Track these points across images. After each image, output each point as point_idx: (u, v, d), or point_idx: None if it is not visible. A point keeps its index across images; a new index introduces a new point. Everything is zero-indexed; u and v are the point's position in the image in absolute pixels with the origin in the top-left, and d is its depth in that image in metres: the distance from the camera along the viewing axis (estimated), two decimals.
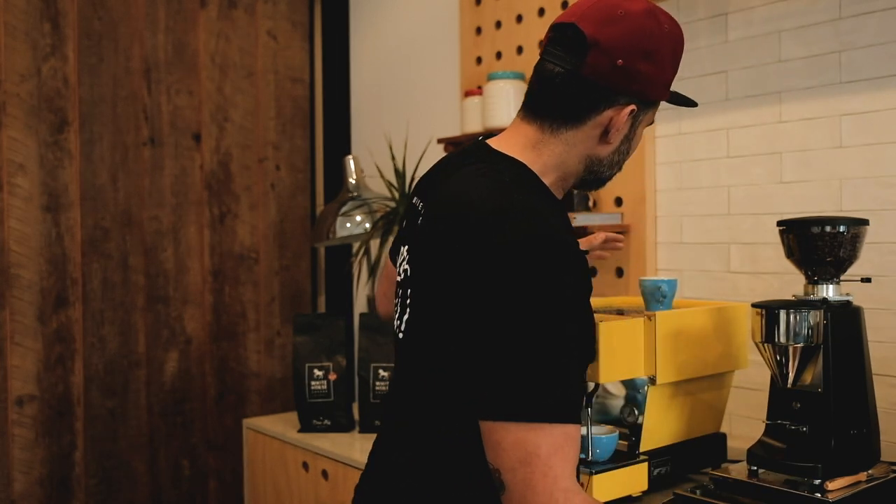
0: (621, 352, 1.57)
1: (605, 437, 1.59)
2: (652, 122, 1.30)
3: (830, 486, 1.47)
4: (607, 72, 1.17)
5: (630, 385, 1.80)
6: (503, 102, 2.39)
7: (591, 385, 1.62)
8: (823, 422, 1.52)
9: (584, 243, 1.75)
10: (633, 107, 1.20)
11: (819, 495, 1.45)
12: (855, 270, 1.64)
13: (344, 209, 2.70)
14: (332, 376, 2.43)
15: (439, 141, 2.69)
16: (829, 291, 1.58)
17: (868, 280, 1.63)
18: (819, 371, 1.53)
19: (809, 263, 1.59)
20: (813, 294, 1.59)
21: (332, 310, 3.26)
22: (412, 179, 2.65)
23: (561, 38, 1.20)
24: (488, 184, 1.18)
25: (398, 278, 1.30)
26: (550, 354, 1.05)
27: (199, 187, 3.01)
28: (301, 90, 3.27)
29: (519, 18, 2.58)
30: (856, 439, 1.54)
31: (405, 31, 3.06)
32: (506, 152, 1.23)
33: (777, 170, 1.99)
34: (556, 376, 1.05)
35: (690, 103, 1.34)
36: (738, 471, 1.59)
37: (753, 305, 1.58)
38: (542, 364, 1.05)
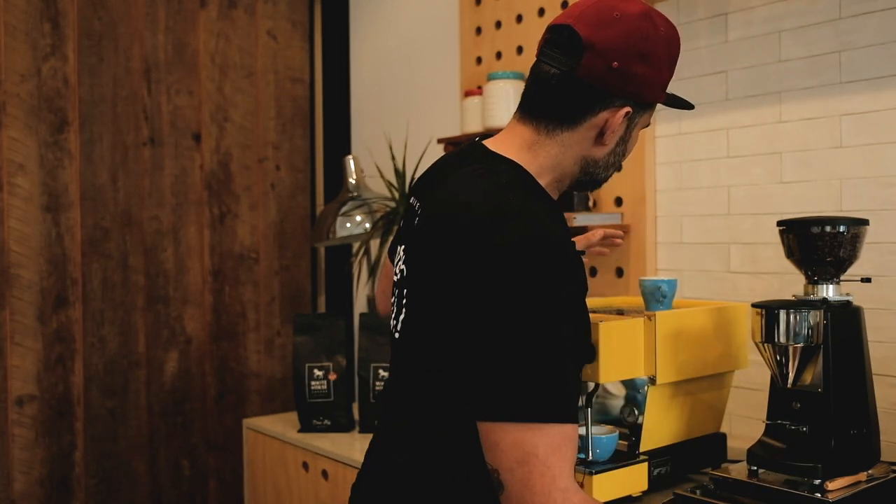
0: (621, 352, 1.57)
1: (605, 437, 1.59)
2: (648, 124, 1.31)
3: (830, 486, 1.47)
4: (602, 74, 1.17)
5: (630, 385, 1.80)
6: (503, 102, 2.39)
7: (591, 385, 1.62)
8: (823, 422, 1.52)
9: (582, 240, 1.76)
10: (628, 109, 1.20)
11: (819, 495, 1.45)
12: (855, 270, 1.64)
13: (344, 209, 2.70)
14: (332, 376, 2.43)
15: (439, 141, 2.69)
16: (829, 291, 1.58)
17: (868, 280, 1.63)
18: (819, 371, 1.53)
19: (809, 263, 1.59)
20: (813, 294, 1.59)
21: (332, 310, 3.26)
22: (412, 179, 2.65)
23: (557, 40, 1.21)
24: (484, 185, 1.18)
25: (395, 278, 1.30)
26: (547, 355, 1.06)
27: (199, 187, 3.01)
28: (301, 90, 3.27)
29: (519, 18, 2.58)
30: (856, 439, 1.54)
31: (405, 31, 3.06)
32: (502, 153, 1.24)
33: (777, 170, 1.99)
34: (553, 377, 1.06)
35: (687, 105, 1.34)
36: (738, 471, 1.59)
37: (753, 305, 1.58)
38: (538, 365, 1.05)
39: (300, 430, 2.44)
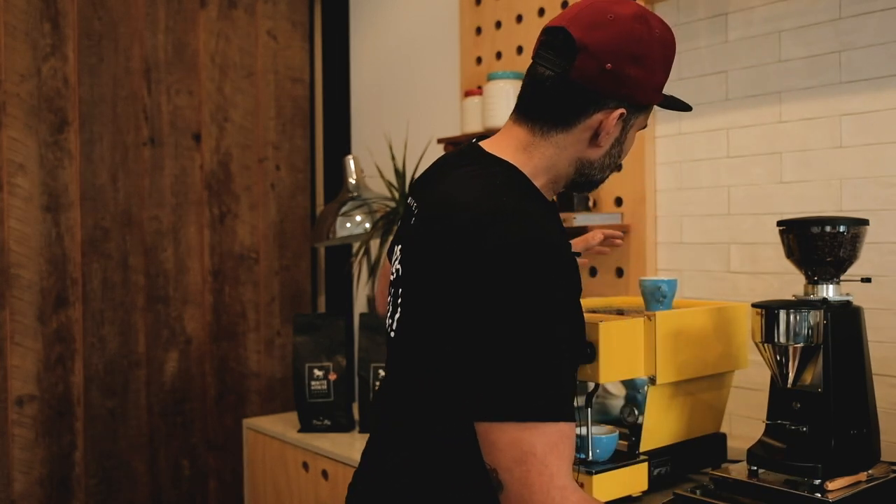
0: (621, 352, 1.57)
1: (605, 437, 1.59)
2: (645, 126, 1.31)
3: (830, 486, 1.47)
4: (595, 75, 1.18)
5: (630, 385, 1.80)
6: (503, 102, 2.39)
7: (591, 385, 1.62)
8: (823, 422, 1.52)
9: (581, 242, 1.76)
10: (622, 110, 1.20)
11: (819, 495, 1.45)
12: (855, 270, 1.64)
13: (344, 209, 2.70)
14: (332, 376, 2.43)
15: (439, 141, 2.69)
16: (829, 291, 1.58)
17: (868, 280, 1.63)
18: (819, 371, 1.53)
19: (809, 263, 1.59)
20: (813, 294, 1.59)
21: (332, 310, 3.26)
22: (412, 179, 2.65)
23: (551, 42, 1.21)
24: (480, 186, 1.19)
25: (391, 277, 1.31)
26: (542, 355, 1.06)
27: (199, 187, 3.01)
28: (301, 90, 3.27)
29: (519, 18, 2.58)
30: (856, 439, 1.54)
31: (405, 31, 3.06)
32: (498, 154, 1.25)
33: (777, 170, 1.99)
34: (549, 376, 1.06)
35: (684, 107, 1.34)
36: (738, 471, 1.59)
37: (753, 305, 1.58)
38: (534, 365, 1.06)
39: (300, 430, 2.44)
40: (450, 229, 1.16)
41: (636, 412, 1.73)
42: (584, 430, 1.59)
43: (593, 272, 2.36)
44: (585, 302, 1.91)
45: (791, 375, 1.55)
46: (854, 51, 1.84)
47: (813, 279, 1.60)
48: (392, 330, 1.28)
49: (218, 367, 3.06)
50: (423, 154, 2.72)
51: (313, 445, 2.30)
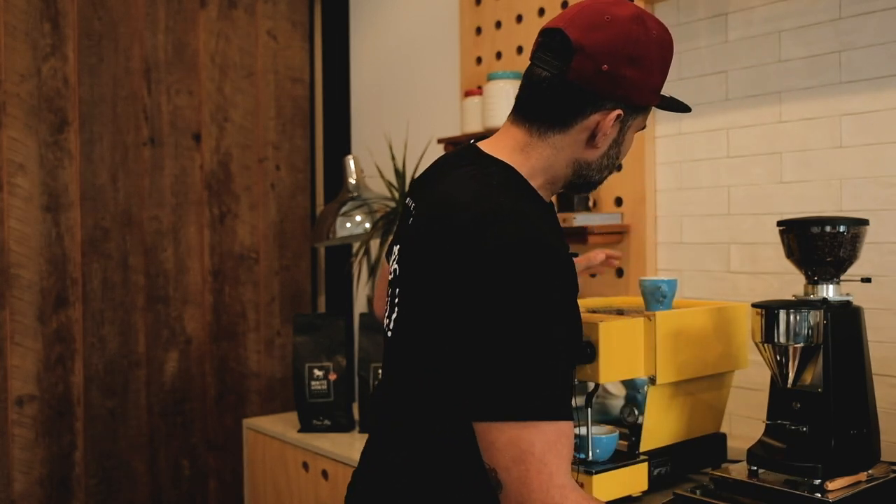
0: (621, 352, 1.57)
1: (605, 437, 1.59)
2: (644, 128, 1.31)
3: (830, 486, 1.47)
4: (592, 76, 1.18)
5: (630, 385, 1.80)
6: (503, 102, 2.39)
7: (591, 385, 1.62)
8: (823, 422, 1.52)
9: (583, 261, 1.82)
10: (619, 111, 1.21)
11: (819, 495, 1.45)
12: (855, 270, 1.64)
13: (344, 209, 2.70)
14: (332, 376, 2.43)
15: (439, 141, 2.69)
16: (829, 291, 1.58)
17: (868, 280, 1.63)
18: (819, 371, 1.53)
19: (809, 263, 1.59)
20: (813, 294, 1.59)
21: (332, 310, 3.26)
22: (412, 179, 2.65)
23: (549, 43, 1.22)
24: (476, 186, 1.19)
25: (389, 277, 1.31)
26: (539, 355, 1.07)
27: (199, 187, 3.01)
28: (301, 90, 3.27)
29: (519, 18, 2.58)
30: (856, 439, 1.54)
31: (405, 31, 3.06)
32: (495, 155, 1.25)
33: (777, 170, 1.99)
34: (546, 376, 1.07)
35: (683, 108, 1.34)
36: (738, 471, 1.59)
37: (753, 305, 1.58)
38: (531, 364, 1.06)
39: (300, 430, 2.44)
40: (447, 229, 1.16)
41: (636, 412, 1.73)
42: (584, 430, 1.59)
43: (593, 273, 2.36)
44: (585, 302, 1.92)
45: (791, 375, 1.55)
46: (854, 51, 1.84)
47: (813, 279, 1.60)
48: (389, 329, 1.29)
49: (218, 367, 3.06)
50: (423, 154, 2.72)
51: (313, 445, 2.30)
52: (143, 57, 2.88)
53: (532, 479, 1.04)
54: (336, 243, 2.82)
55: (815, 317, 1.52)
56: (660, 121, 2.21)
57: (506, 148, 1.25)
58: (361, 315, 2.46)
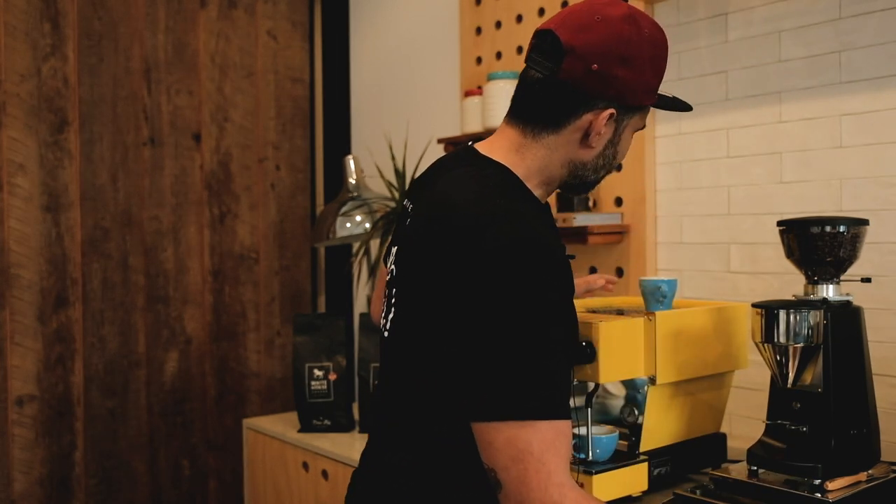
0: (621, 352, 1.57)
1: (605, 437, 1.59)
2: (642, 127, 1.31)
3: (830, 486, 1.47)
4: (583, 76, 1.18)
5: (630, 385, 1.80)
6: (503, 102, 2.38)
7: (591, 385, 1.62)
8: (823, 422, 1.52)
9: (583, 284, 1.88)
10: (611, 111, 1.21)
11: (819, 495, 1.45)
12: (855, 270, 1.64)
13: (344, 209, 2.70)
14: (332, 376, 2.43)
15: (439, 141, 2.69)
16: (829, 291, 1.58)
17: (868, 280, 1.63)
18: (819, 371, 1.53)
19: (809, 263, 1.59)
20: (813, 294, 1.59)
21: (332, 310, 3.26)
22: (412, 180, 2.65)
23: (541, 45, 1.23)
24: (473, 188, 1.20)
25: (387, 278, 1.32)
26: (535, 355, 1.07)
27: (199, 187, 3.01)
28: (301, 90, 3.27)
29: (519, 18, 2.58)
30: (856, 439, 1.54)
31: (405, 31, 3.06)
32: (491, 156, 1.26)
33: (777, 170, 1.99)
34: (543, 375, 1.07)
35: (684, 107, 1.34)
36: (738, 471, 1.59)
37: (753, 305, 1.58)
38: (527, 364, 1.07)
39: (300, 430, 2.44)
40: (444, 230, 1.16)
41: (636, 412, 1.73)
42: (584, 430, 1.59)
43: (593, 272, 2.36)
44: (585, 302, 1.92)
45: (791, 375, 1.55)
46: (854, 51, 1.84)
47: (813, 279, 1.60)
48: (386, 330, 1.29)
49: (218, 367, 3.06)
50: (423, 154, 2.72)
51: (313, 445, 2.30)
52: (143, 57, 2.88)
53: (531, 478, 1.04)
54: (336, 243, 2.82)
55: (815, 317, 1.52)
56: (660, 121, 2.21)
57: (501, 149, 1.26)
58: (361, 315, 2.46)
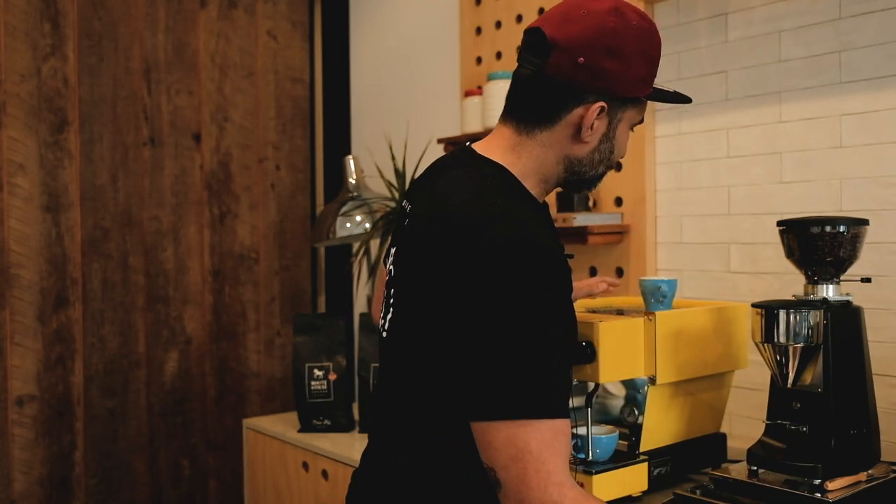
0: (621, 352, 1.57)
1: (605, 437, 1.59)
2: (640, 121, 1.29)
3: (830, 486, 1.47)
4: (569, 70, 1.18)
5: (630, 385, 1.80)
6: (503, 102, 2.38)
7: (591, 385, 1.62)
8: (823, 422, 1.52)
9: (584, 287, 1.88)
10: (601, 104, 1.20)
11: (819, 495, 1.45)
12: (855, 270, 1.64)
13: (344, 209, 2.70)
14: (332, 376, 2.43)
15: (439, 141, 2.69)
16: (829, 291, 1.58)
17: (868, 280, 1.63)
18: (819, 371, 1.53)
19: (809, 263, 1.59)
20: (813, 294, 1.59)
21: (332, 310, 3.26)
22: (412, 179, 2.65)
23: (529, 42, 1.24)
24: (470, 188, 1.20)
25: (386, 278, 1.32)
26: (533, 354, 1.07)
27: (199, 187, 3.01)
28: (301, 90, 3.27)
29: (519, 18, 2.58)
30: (856, 439, 1.54)
31: (405, 31, 3.06)
32: (488, 156, 1.26)
33: (777, 170, 1.99)
34: (540, 374, 1.07)
35: (681, 99, 1.32)
36: (738, 471, 1.59)
37: (753, 305, 1.58)
38: (525, 364, 1.07)
39: (300, 430, 2.44)
40: (441, 230, 1.16)
41: (636, 412, 1.73)
42: (583, 430, 1.59)
43: (593, 272, 2.36)
44: (585, 302, 1.92)
45: (791, 375, 1.55)
46: (854, 51, 1.84)
47: (813, 279, 1.60)
48: (384, 330, 1.29)
49: (218, 367, 3.06)
50: (423, 154, 2.72)
51: (313, 445, 2.30)
52: (143, 57, 2.88)
53: (530, 477, 1.05)
54: (336, 243, 2.82)
55: (815, 317, 1.52)
56: (660, 121, 2.21)
57: (497, 148, 1.26)
58: (361, 315, 2.46)
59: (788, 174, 1.97)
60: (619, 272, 2.29)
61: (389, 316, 1.27)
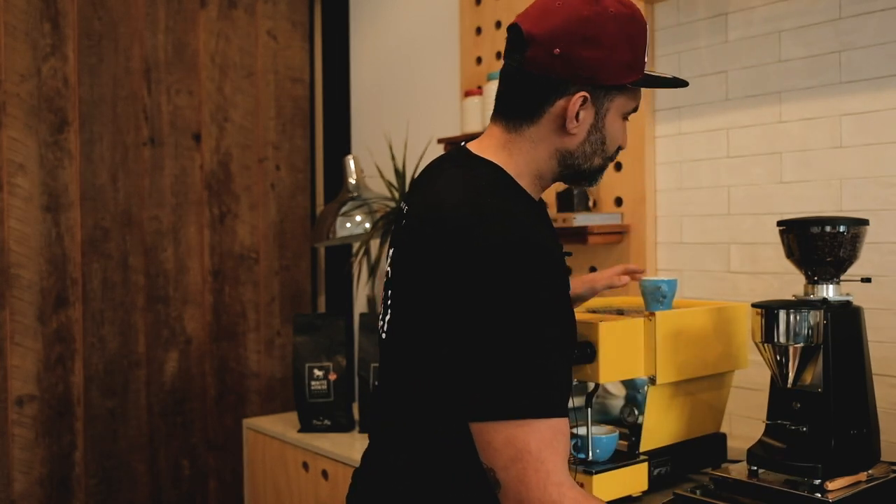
0: (621, 352, 1.57)
1: (605, 437, 1.59)
2: (634, 110, 1.27)
3: (830, 486, 1.47)
4: (546, 62, 1.18)
5: (630, 385, 1.80)
6: None
7: (591, 385, 1.62)
8: (823, 422, 1.52)
9: (602, 280, 1.73)
10: (583, 94, 1.19)
11: (819, 495, 1.45)
12: (855, 270, 1.64)
13: (344, 209, 2.70)
14: (332, 376, 2.43)
15: (439, 141, 2.69)
16: (829, 291, 1.58)
17: (868, 280, 1.63)
18: (819, 371, 1.53)
19: (809, 263, 1.59)
20: (813, 294, 1.59)
21: (332, 310, 3.26)
22: (412, 179, 2.65)
23: (509, 39, 1.24)
24: (466, 188, 1.20)
25: (384, 280, 1.31)
26: (529, 354, 1.07)
27: (199, 187, 3.01)
28: (301, 90, 3.27)
29: None
30: (856, 439, 1.54)
31: (405, 31, 3.06)
32: (482, 155, 1.26)
33: (777, 170, 1.99)
34: (536, 374, 1.07)
35: (675, 83, 1.30)
36: (738, 471, 1.59)
37: (753, 305, 1.58)
38: (521, 364, 1.07)
39: (300, 430, 2.44)
40: (436, 231, 1.16)
41: (636, 412, 1.73)
42: (583, 430, 1.59)
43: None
44: (586, 302, 1.91)
45: (791, 375, 1.55)
46: (854, 51, 1.84)
47: (813, 279, 1.60)
48: (383, 331, 1.29)
49: (218, 367, 3.06)
50: (423, 154, 2.72)
51: (313, 445, 2.30)
52: (143, 57, 2.88)
53: (530, 477, 1.05)
54: (336, 243, 2.83)
55: (815, 317, 1.52)
56: (660, 121, 2.21)
57: (490, 147, 1.26)
58: (361, 315, 2.46)
59: (788, 174, 1.97)
60: None
61: (388, 317, 1.27)
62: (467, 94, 2.56)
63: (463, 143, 1.32)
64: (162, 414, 2.93)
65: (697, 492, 1.56)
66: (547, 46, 1.18)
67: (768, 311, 1.54)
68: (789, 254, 1.63)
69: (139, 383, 2.88)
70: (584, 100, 1.20)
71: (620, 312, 1.75)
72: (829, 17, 1.88)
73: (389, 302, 1.27)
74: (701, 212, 2.14)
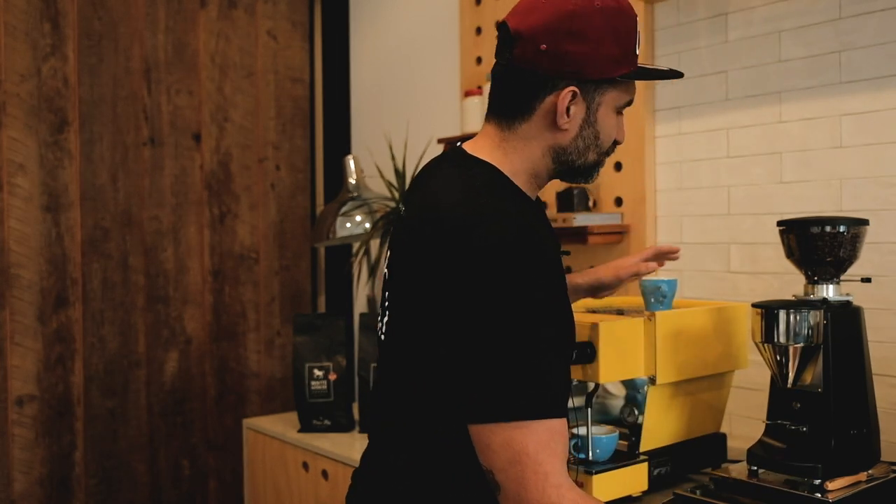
0: (621, 352, 1.57)
1: (605, 437, 1.59)
2: (629, 103, 1.26)
3: (830, 486, 1.47)
4: (533, 59, 1.18)
5: (630, 385, 1.80)
6: None
7: (591, 385, 1.62)
8: (823, 422, 1.52)
9: (627, 268, 1.60)
10: (571, 89, 1.19)
11: (819, 495, 1.45)
12: (855, 270, 1.64)
13: (344, 209, 2.70)
14: (332, 376, 2.43)
15: (439, 141, 2.69)
16: (829, 291, 1.58)
17: (868, 280, 1.63)
18: (819, 371, 1.53)
19: (809, 263, 1.59)
20: (813, 294, 1.59)
21: (332, 310, 3.26)
22: (412, 179, 2.65)
23: (499, 37, 1.24)
24: (461, 188, 1.20)
25: (382, 281, 1.31)
26: (525, 355, 1.07)
27: (199, 187, 3.01)
28: (301, 90, 3.27)
29: None
30: (856, 439, 1.54)
31: (405, 31, 3.06)
32: (478, 155, 1.25)
33: (777, 170, 1.99)
34: (533, 375, 1.07)
35: (669, 75, 1.28)
36: (738, 471, 1.59)
37: (753, 305, 1.58)
38: (518, 365, 1.07)
39: (300, 430, 2.44)
40: (432, 232, 1.16)
41: (636, 412, 1.73)
42: (583, 430, 1.59)
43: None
44: (585, 302, 1.91)
45: (791, 375, 1.55)
46: (854, 51, 1.84)
47: (813, 279, 1.60)
48: (382, 333, 1.29)
49: (218, 367, 3.06)
50: (423, 154, 2.72)
51: (313, 445, 2.30)
52: (143, 57, 2.88)
53: (528, 479, 1.05)
54: (336, 243, 2.82)
55: (815, 317, 1.52)
56: (660, 121, 2.21)
57: (485, 147, 1.26)
58: (361, 315, 2.46)
59: (788, 174, 1.97)
60: None
61: (386, 319, 1.27)
62: (467, 94, 2.56)
63: (459, 144, 1.32)
64: (162, 414, 2.93)
65: (697, 492, 1.56)
66: (533, 42, 1.18)
67: (768, 311, 1.54)
68: (789, 254, 1.63)
69: (139, 383, 2.88)
70: (574, 95, 1.19)
71: (620, 312, 1.76)
72: (829, 17, 1.88)
73: (387, 303, 1.27)
74: (701, 212, 2.14)
